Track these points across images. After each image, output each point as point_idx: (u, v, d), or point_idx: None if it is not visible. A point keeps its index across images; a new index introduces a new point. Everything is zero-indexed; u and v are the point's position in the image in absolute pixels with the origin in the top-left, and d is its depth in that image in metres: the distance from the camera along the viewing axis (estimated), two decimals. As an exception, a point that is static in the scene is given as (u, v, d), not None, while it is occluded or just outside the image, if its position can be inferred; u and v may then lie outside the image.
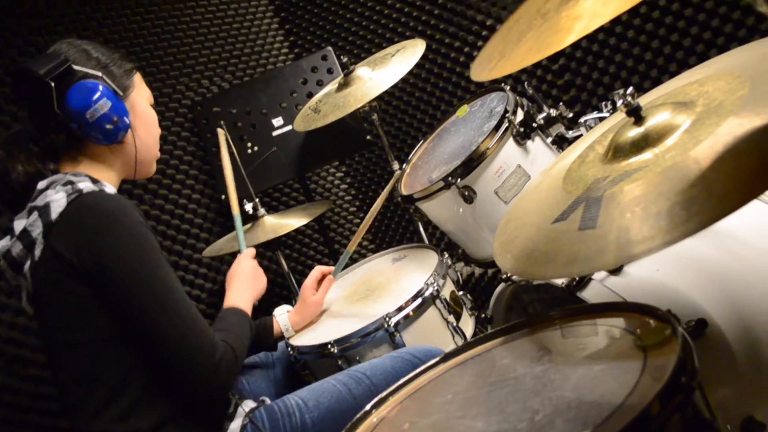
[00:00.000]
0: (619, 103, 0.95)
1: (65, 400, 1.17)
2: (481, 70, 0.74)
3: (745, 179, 0.72)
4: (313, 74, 2.42)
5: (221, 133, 1.84)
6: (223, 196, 2.39)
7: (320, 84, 2.41)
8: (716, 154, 0.78)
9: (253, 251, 1.59)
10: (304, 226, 2.13)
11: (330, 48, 2.45)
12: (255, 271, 1.53)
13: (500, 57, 0.72)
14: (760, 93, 0.84)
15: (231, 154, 2.15)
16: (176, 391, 1.17)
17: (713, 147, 0.80)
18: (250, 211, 2.09)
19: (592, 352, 0.85)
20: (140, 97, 1.31)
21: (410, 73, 1.86)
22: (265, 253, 2.70)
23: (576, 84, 2.23)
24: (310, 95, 2.35)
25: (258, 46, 2.78)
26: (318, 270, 1.68)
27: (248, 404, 1.32)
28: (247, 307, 1.40)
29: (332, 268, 1.71)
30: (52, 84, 1.15)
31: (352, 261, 2.86)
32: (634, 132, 0.93)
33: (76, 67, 1.19)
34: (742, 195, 0.70)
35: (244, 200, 2.10)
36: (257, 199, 2.10)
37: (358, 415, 0.97)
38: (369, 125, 2.30)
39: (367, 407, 0.98)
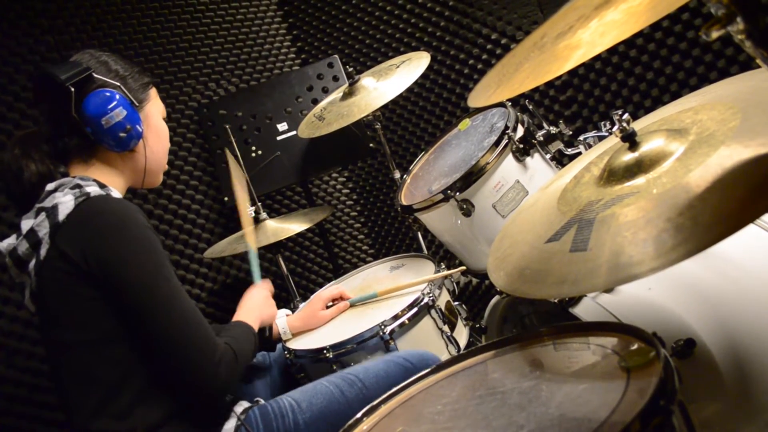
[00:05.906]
0: (615, 128, 0.98)
1: (64, 398, 1.19)
2: (478, 99, 0.76)
3: (732, 210, 0.74)
4: (318, 81, 2.45)
5: (229, 155, 1.78)
6: (226, 198, 2.41)
7: (325, 91, 2.43)
8: (705, 184, 0.80)
9: (270, 285, 1.61)
10: (305, 229, 2.15)
11: (336, 56, 2.48)
12: (266, 300, 1.55)
13: (497, 86, 0.74)
14: (750, 125, 0.86)
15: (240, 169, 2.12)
16: (177, 391, 1.19)
17: (703, 177, 0.82)
18: (252, 215, 2.11)
19: (578, 370, 0.87)
20: (154, 109, 1.36)
21: (415, 83, 1.87)
22: (266, 254, 2.73)
23: (578, 100, 2.26)
24: (315, 101, 2.38)
25: (265, 51, 2.81)
26: (339, 291, 1.72)
27: (243, 404, 1.33)
28: (254, 324, 1.41)
29: (350, 295, 1.72)
30: (72, 89, 1.20)
31: (352, 267, 2.90)
32: (629, 157, 0.96)
33: (96, 76, 1.25)
34: (727, 226, 0.72)
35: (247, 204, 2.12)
36: (259, 203, 2.13)
37: (349, 422, 0.99)
38: (372, 133, 2.32)
39: (359, 415, 1.00)
